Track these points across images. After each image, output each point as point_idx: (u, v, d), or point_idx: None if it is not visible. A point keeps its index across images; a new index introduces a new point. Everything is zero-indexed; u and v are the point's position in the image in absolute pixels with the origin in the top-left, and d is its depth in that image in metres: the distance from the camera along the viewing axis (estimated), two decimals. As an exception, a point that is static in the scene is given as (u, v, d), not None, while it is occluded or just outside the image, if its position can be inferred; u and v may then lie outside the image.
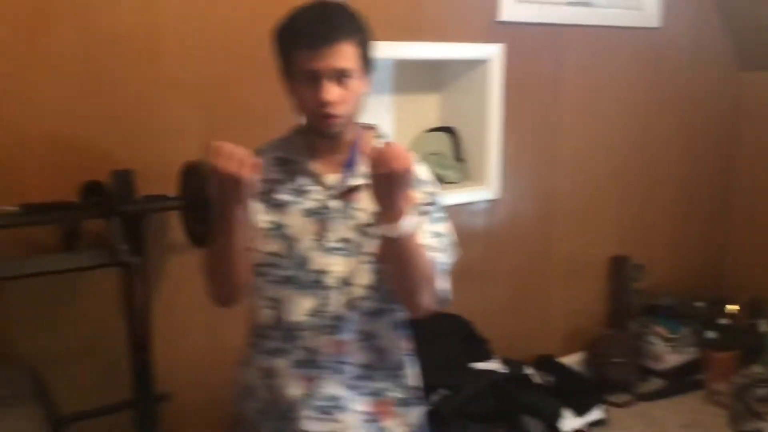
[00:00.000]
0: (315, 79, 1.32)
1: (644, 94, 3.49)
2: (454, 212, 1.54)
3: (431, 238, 1.41)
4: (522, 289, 3.29)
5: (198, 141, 2.30)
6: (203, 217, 2.04)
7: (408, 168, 1.23)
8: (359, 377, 1.47)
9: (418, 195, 1.40)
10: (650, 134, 3.56)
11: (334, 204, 1.42)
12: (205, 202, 2.00)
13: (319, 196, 1.43)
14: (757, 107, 3.77)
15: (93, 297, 2.24)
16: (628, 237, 3.58)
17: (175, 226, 2.22)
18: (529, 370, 3.03)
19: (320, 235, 1.41)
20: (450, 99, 3.11)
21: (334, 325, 1.42)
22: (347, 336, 1.43)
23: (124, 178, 1.99)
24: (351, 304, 1.42)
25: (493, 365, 2.92)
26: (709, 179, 3.85)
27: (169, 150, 2.25)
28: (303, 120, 1.44)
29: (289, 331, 1.44)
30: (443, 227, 1.47)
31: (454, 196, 2.87)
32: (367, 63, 1.38)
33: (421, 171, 1.48)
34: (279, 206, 1.43)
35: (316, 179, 1.44)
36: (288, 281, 1.42)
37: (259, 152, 1.49)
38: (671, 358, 3.40)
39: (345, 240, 1.41)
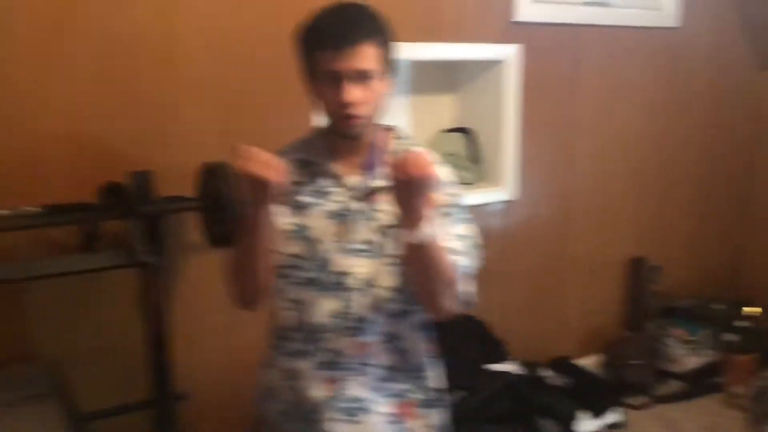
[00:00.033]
0: (337, 79, 1.33)
1: (662, 94, 3.47)
2: (469, 213, 1.54)
3: (454, 241, 1.41)
4: (538, 290, 3.28)
5: (215, 142, 2.32)
6: (221, 217, 2.06)
7: (428, 175, 1.23)
8: (383, 379, 1.47)
9: (440, 197, 1.40)
10: (668, 135, 3.53)
11: (355, 205, 1.42)
12: (224, 203, 2.03)
13: (341, 198, 1.43)
14: (777, 107, 3.74)
15: (112, 297, 2.26)
16: (645, 238, 3.56)
17: (192, 227, 2.24)
18: (545, 372, 3.02)
19: (342, 237, 1.41)
20: (466, 100, 3.11)
21: (357, 326, 1.42)
22: (371, 338, 1.44)
23: (143, 179, 2.01)
24: (374, 306, 1.42)
25: (508, 367, 2.91)
26: (727, 179, 3.82)
27: (186, 151, 2.27)
28: (324, 121, 1.45)
29: (311, 333, 1.44)
30: (467, 229, 1.46)
31: (469, 197, 2.86)
32: (389, 64, 1.39)
33: (444, 172, 1.49)
34: (301, 208, 1.43)
35: (337, 181, 1.44)
36: (310, 283, 1.42)
37: (279, 154, 1.50)
38: (689, 360, 3.38)
39: (367, 241, 1.41)
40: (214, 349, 2.45)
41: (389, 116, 1.52)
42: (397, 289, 1.42)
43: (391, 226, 1.39)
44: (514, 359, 2.96)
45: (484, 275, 1.50)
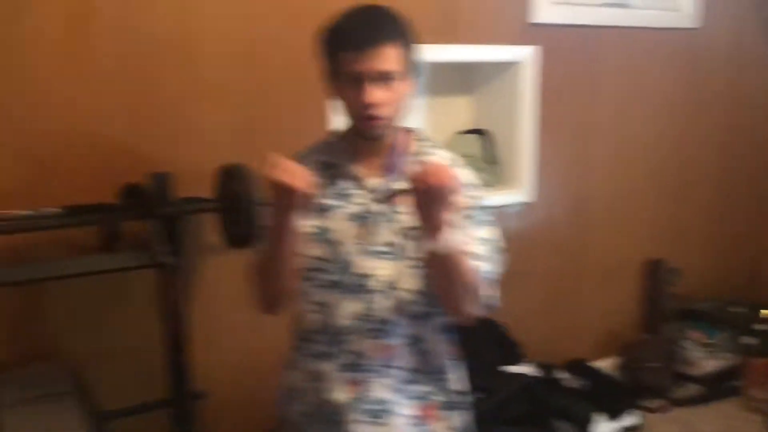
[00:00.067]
0: (359, 81, 1.33)
1: (682, 95, 3.45)
2: (492, 216, 1.53)
3: (477, 245, 1.41)
4: (555, 292, 3.27)
5: (233, 144, 2.34)
6: (239, 218, 2.08)
7: (447, 185, 1.23)
8: (405, 381, 1.47)
9: (462, 199, 1.39)
10: (687, 135, 3.51)
11: (377, 207, 1.42)
12: (241, 204, 2.04)
13: (362, 200, 1.43)
14: (798, 108, 3.70)
15: (131, 297, 2.28)
16: (663, 239, 3.53)
17: (210, 228, 2.26)
18: (561, 374, 3.01)
19: (364, 239, 1.42)
20: (483, 101, 3.11)
21: (380, 329, 1.43)
22: (394, 340, 1.44)
23: (162, 181, 2.03)
24: (397, 308, 1.42)
25: (524, 369, 2.91)
26: (747, 181, 3.78)
27: (204, 153, 2.29)
28: (345, 123, 1.45)
29: (335, 335, 1.45)
30: (489, 232, 1.46)
31: (486, 199, 2.86)
32: (411, 66, 1.39)
33: (465, 175, 1.49)
34: (322, 210, 1.44)
35: (359, 183, 1.45)
36: (334, 285, 1.43)
37: (301, 156, 1.51)
38: (707, 363, 3.35)
39: (389, 243, 1.41)
40: (231, 349, 2.46)
41: (408, 118, 1.52)
42: (419, 292, 1.42)
43: (412, 228, 1.39)
44: (530, 361, 2.95)
45: (501, 277, 1.50)
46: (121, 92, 2.19)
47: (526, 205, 3.06)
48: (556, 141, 3.09)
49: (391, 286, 1.41)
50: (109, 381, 2.20)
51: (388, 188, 1.41)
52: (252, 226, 2.02)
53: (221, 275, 2.37)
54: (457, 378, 1.56)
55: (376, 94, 1.33)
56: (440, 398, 1.52)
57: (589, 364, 3.20)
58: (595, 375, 3.14)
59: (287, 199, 1.28)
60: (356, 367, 1.45)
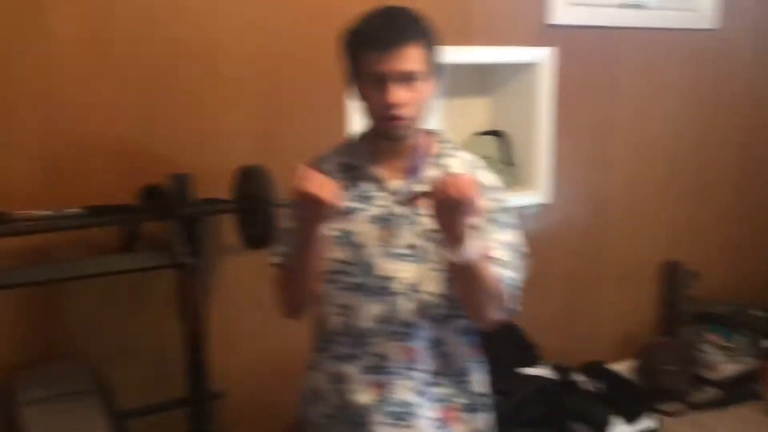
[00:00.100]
0: (381, 81, 1.33)
1: (700, 96, 3.42)
2: (516, 218, 1.53)
3: (500, 250, 1.41)
4: (572, 293, 3.25)
5: (251, 146, 2.35)
6: (256, 219, 2.09)
7: (468, 197, 1.23)
8: (428, 383, 1.47)
9: (485, 202, 1.39)
10: (706, 137, 3.48)
11: (399, 210, 1.43)
12: (259, 205, 2.06)
13: (384, 202, 1.44)
14: (819, 110, 3.65)
15: (150, 297, 2.30)
16: (681, 242, 3.51)
17: (228, 229, 2.27)
18: (578, 377, 3.00)
19: (386, 241, 1.42)
20: (500, 103, 3.10)
21: (404, 331, 1.43)
22: (417, 343, 1.44)
23: (182, 182, 2.04)
24: (420, 311, 1.42)
25: (541, 371, 2.90)
26: (766, 182, 3.74)
27: (223, 154, 2.30)
28: (367, 125, 1.46)
29: (358, 338, 1.45)
30: (513, 236, 1.46)
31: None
32: (433, 67, 1.39)
33: (488, 177, 1.49)
34: (345, 213, 1.43)
35: (380, 185, 1.45)
36: (357, 288, 1.43)
37: (322, 158, 1.52)
38: (726, 367, 3.32)
39: (411, 246, 1.41)
40: (249, 348, 2.48)
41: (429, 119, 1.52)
42: (441, 295, 1.42)
43: (434, 231, 1.38)
44: (546, 363, 2.95)
45: (523, 283, 1.50)
46: (141, 94, 2.21)
47: (543, 207, 3.06)
48: (573, 142, 3.08)
49: (414, 289, 1.41)
50: (129, 380, 2.22)
51: (410, 190, 1.41)
52: (269, 227, 2.03)
53: (239, 276, 2.39)
54: (479, 380, 1.55)
55: (398, 94, 1.33)
56: (462, 400, 1.52)
57: (606, 366, 3.19)
58: (612, 377, 3.12)
59: (315, 210, 1.30)
60: (379, 370, 1.45)
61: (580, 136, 3.12)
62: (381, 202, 1.44)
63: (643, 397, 3.09)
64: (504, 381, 2.72)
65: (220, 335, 2.31)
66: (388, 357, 1.44)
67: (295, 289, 1.45)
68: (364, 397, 1.45)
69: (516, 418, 2.63)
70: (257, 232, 2.10)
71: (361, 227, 1.43)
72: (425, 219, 1.40)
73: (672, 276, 3.45)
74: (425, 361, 1.45)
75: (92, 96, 2.15)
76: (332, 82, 2.43)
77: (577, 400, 2.82)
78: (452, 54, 2.74)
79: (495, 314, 1.41)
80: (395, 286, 1.41)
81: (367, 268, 1.42)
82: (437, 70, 1.41)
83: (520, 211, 2.95)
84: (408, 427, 1.45)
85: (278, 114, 2.42)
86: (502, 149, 3.04)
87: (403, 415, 1.45)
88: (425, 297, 1.42)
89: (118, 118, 2.19)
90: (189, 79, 2.27)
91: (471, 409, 1.53)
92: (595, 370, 3.14)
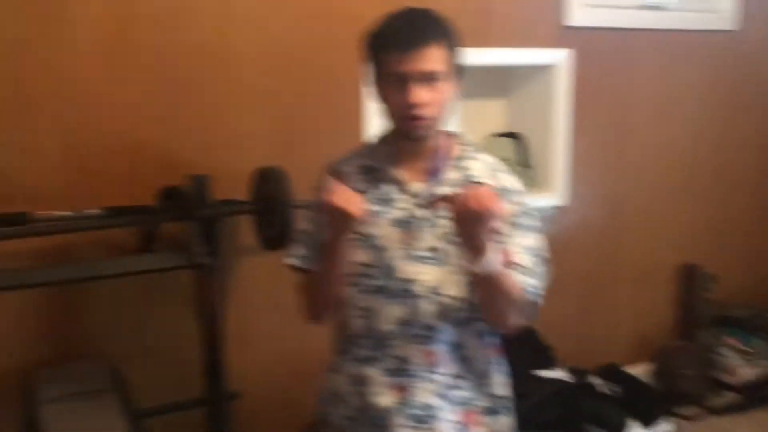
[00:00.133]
0: (403, 81, 1.34)
1: (719, 98, 3.39)
2: (538, 221, 1.53)
3: (522, 255, 1.41)
4: (588, 296, 3.24)
5: (268, 148, 2.37)
6: (273, 220, 2.10)
7: (488, 209, 1.23)
8: (449, 387, 1.46)
9: (507, 206, 1.39)
10: (725, 139, 3.45)
11: (420, 212, 1.42)
12: (276, 206, 2.07)
13: (405, 205, 1.44)
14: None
15: (168, 297, 2.32)
16: (699, 244, 3.48)
17: (245, 230, 2.29)
18: (594, 379, 2.98)
19: (407, 244, 1.42)
20: (517, 104, 3.10)
21: (425, 334, 1.43)
22: (438, 346, 1.44)
23: (200, 183, 2.05)
24: (441, 314, 1.42)
25: (557, 373, 2.89)
26: (786, 186, 3.71)
27: (240, 156, 2.32)
28: (387, 127, 1.46)
29: (379, 340, 1.45)
30: (535, 240, 1.46)
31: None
32: (454, 68, 1.39)
33: (510, 180, 1.49)
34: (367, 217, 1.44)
35: (401, 187, 1.45)
36: (379, 291, 1.43)
37: (342, 161, 1.52)
38: (745, 371, 3.29)
39: (432, 249, 1.41)
40: (266, 349, 2.49)
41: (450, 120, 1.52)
42: (462, 298, 1.42)
43: (456, 238, 1.39)
44: (562, 365, 2.93)
45: (544, 291, 1.49)
46: (161, 97, 2.23)
47: (559, 209, 3.05)
48: (590, 144, 3.07)
49: (435, 292, 1.41)
50: (146, 379, 2.23)
51: (432, 193, 1.42)
52: (286, 228, 2.04)
53: (256, 276, 2.40)
54: (500, 382, 1.55)
55: (420, 94, 1.34)
56: (483, 403, 1.51)
57: (622, 369, 3.17)
58: (629, 381, 3.10)
59: (342, 223, 1.32)
60: (401, 372, 1.45)
61: (597, 138, 3.10)
62: (402, 205, 1.44)
63: (660, 401, 3.07)
64: (519, 383, 2.70)
65: (238, 335, 2.32)
66: (409, 360, 1.44)
67: (319, 295, 1.47)
68: (385, 399, 1.45)
69: (531, 420, 2.62)
70: (274, 233, 2.11)
71: (383, 230, 1.43)
72: (446, 222, 1.39)
73: (690, 278, 3.43)
74: (446, 364, 1.45)
75: (113, 99, 2.17)
76: (349, 85, 2.45)
77: (593, 403, 2.81)
78: (470, 55, 2.76)
79: (515, 321, 1.41)
80: (416, 288, 1.41)
81: (388, 270, 1.42)
82: (458, 71, 1.41)
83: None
84: (429, 429, 1.44)
85: (295, 117, 2.43)
86: (518, 151, 3.04)
87: (425, 417, 1.44)
88: (446, 300, 1.41)
89: (139, 121, 2.21)
90: (208, 82, 2.29)
91: (491, 411, 1.53)
92: (611, 372, 3.12)
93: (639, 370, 3.26)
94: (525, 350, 2.90)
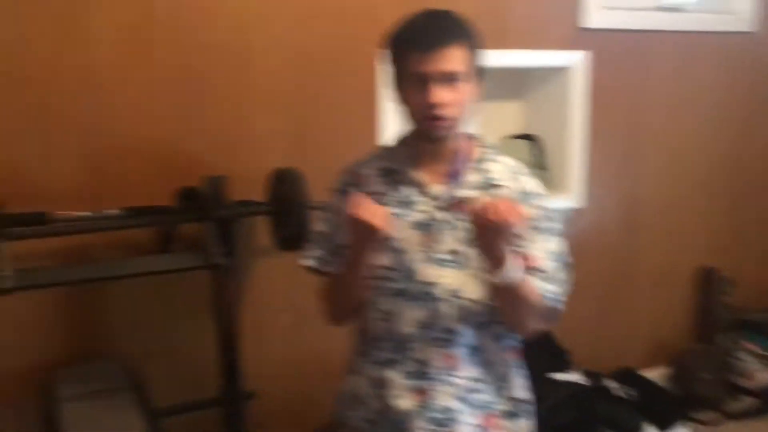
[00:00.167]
0: (424, 81, 1.34)
1: (736, 100, 3.36)
2: (560, 224, 1.52)
3: (544, 260, 1.41)
4: (605, 299, 3.22)
5: (285, 150, 2.38)
6: (289, 221, 2.11)
7: (508, 222, 1.23)
8: (469, 390, 1.46)
9: (529, 210, 1.39)
10: (743, 141, 3.42)
11: (440, 215, 1.42)
12: (292, 207, 2.08)
13: (426, 207, 1.43)
14: None
15: (184, 297, 2.33)
16: (717, 248, 3.45)
17: (262, 231, 2.30)
18: (610, 383, 2.97)
19: (428, 247, 1.41)
20: (532, 106, 3.09)
21: (446, 338, 1.42)
22: (458, 349, 1.43)
23: (217, 184, 2.07)
24: (461, 317, 1.41)
25: (572, 376, 2.87)
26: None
27: (257, 158, 2.33)
28: (408, 128, 1.46)
29: (399, 343, 1.45)
30: (557, 244, 1.45)
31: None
32: (475, 69, 1.39)
33: (531, 183, 1.48)
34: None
35: (421, 189, 1.44)
36: (399, 294, 1.43)
37: (362, 163, 1.52)
38: (763, 376, 3.26)
39: (453, 251, 1.41)
40: (281, 349, 2.50)
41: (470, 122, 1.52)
42: (482, 301, 1.41)
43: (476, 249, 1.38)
44: (578, 369, 2.92)
45: (566, 297, 1.49)
46: (178, 98, 2.25)
47: (575, 211, 3.03)
48: (606, 146, 3.06)
49: (455, 295, 1.40)
50: (163, 379, 2.25)
51: (452, 196, 1.42)
52: (302, 229, 2.05)
53: (272, 277, 2.41)
54: (520, 385, 1.54)
55: (440, 94, 1.33)
56: (503, 407, 1.50)
57: (638, 373, 3.15)
58: (645, 384, 3.08)
59: (367, 236, 1.32)
60: (421, 375, 1.44)
61: (613, 140, 3.09)
62: (422, 207, 1.43)
63: (676, 405, 3.05)
64: (535, 386, 2.70)
65: (254, 336, 2.33)
66: (430, 363, 1.43)
67: (341, 299, 1.48)
68: (405, 402, 1.45)
69: (547, 424, 2.60)
70: (290, 234, 2.12)
71: (403, 233, 1.42)
72: (467, 224, 1.39)
73: (707, 282, 3.40)
74: (466, 367, 1.45)
75: (132, 100, 2.19)
76: (366, 87, 2.46)
77: (609, 407, 2.79)
78: (486, 57, 2.76)
79: (535, 326, 1.42)
80: (437, 291, 1.40)
81: (409, 273, 1.41)
82: (479, 72, 1.41)
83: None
84: None
85: (312, 118, 2.44)
86: (534, 153, 3.03)
87: (445, 421, 1.44)
88: (466, 303, 1.41)
89: (157, 122, 2.23)
90: (225, 84, 2.30)
91: (511, 415, 1.52)
92: (627, 376, 3.10)
93: (656, 374, 3.24)
94: (541, 353, 2.89)
